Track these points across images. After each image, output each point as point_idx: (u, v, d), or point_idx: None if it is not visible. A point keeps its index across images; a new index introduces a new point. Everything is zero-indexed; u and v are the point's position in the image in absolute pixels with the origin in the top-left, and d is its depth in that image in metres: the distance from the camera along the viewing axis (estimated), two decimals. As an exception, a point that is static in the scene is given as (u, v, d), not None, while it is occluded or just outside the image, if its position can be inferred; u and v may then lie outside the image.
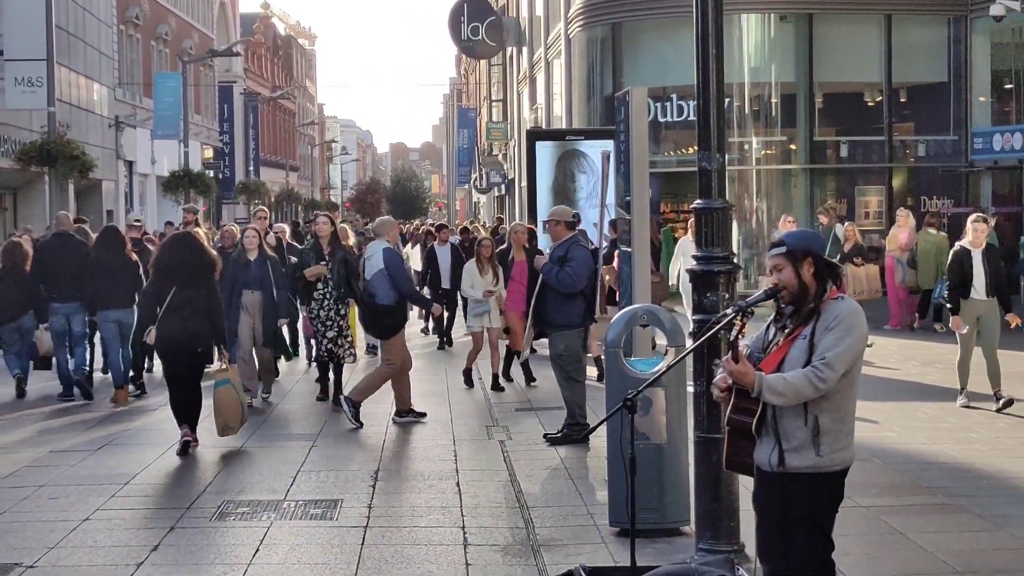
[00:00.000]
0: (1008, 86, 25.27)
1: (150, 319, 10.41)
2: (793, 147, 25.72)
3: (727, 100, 19.40)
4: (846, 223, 18.98)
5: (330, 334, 12.49)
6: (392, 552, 7.20)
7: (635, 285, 9.17)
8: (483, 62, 52.58)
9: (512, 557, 7.09)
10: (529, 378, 13.81)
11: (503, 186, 48.93)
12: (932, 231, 18.54)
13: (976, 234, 11.68)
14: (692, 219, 7.18)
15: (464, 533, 7.58)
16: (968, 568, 6.72)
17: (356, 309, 13.60)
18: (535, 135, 21.24)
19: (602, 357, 9.61)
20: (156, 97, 38.47)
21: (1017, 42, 25.04)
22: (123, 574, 6.79)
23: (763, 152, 25.72)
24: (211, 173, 42.79)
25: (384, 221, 12.54)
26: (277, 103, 71.27)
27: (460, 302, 18.48)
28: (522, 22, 40.00)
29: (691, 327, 7.15)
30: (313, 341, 13.84)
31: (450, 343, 18.28)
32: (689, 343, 6.86)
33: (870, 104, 25.96)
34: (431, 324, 19.65)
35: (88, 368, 13.71)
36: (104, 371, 14.21)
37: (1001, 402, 11.41)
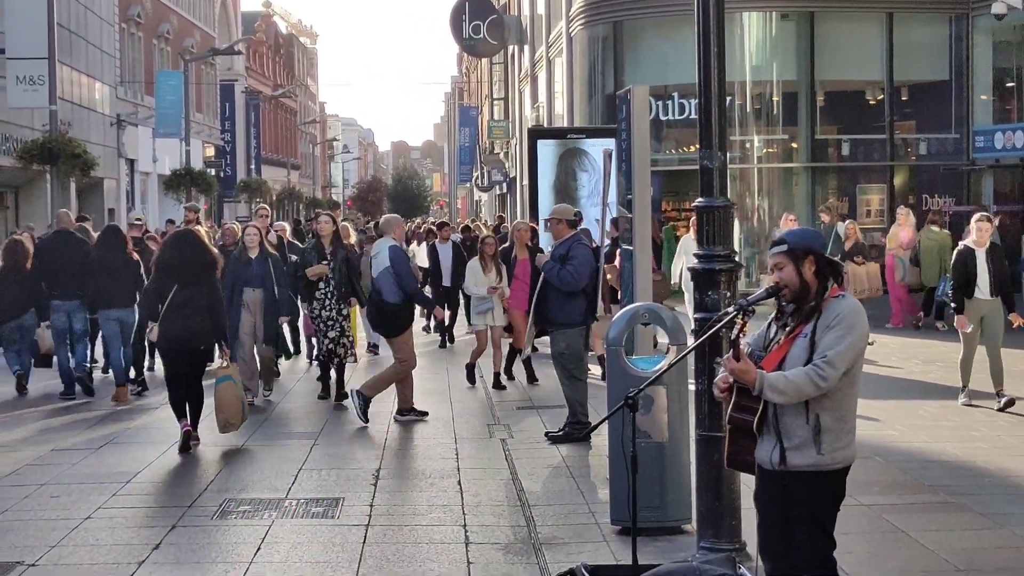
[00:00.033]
0: (1010, 84, 25.27)
1: (152, 317, 10.42)
2: (795, 145, 25.71)
3: (728, 98, 19.38)
4: (847, 221, 18.97)
5: (331, 334, 12.49)
6: (393, 550, 7.20)
7: (637, 283, 9.16)
8: (484, 60, 52.57)
9: (513, 555, 7.09)
10: (531, 377, 13.80)
11: (504, 184, 48.93)
12: (935, 229, 18.55)
13: (980, 233, 11.66)
14: (694, 217, 7.18)
15: (466, 531, 7.58)
16: (970, 566, 6.72)
17: (357, 308, 13.63)
18: (536, 133, 21.26)
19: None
20: (158, 95, 38.48)
21: (1019, 40, 25.03)
22: (125, 572, 6.79)
23: (765, 150, 25.72)
24: (212, 171, 42.78)
25: (390, 219, 12.51)
26: (279, 101, 71.28)
27: (461, 300, 18.51)
28: (523, 20, 40.00)
29: (692, 325, 7.15)
30: (314, 340, 13.85)
31: (452, 340, 18.28)
32: (691, 341, 6.85)
33: (872, 102, 25.96)
34: (433, 323, 19.64)
35: (89, 365, 13.74)
36: (104, 370, 14.23)
37: (1003, 401, 11.40)
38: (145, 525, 7.90)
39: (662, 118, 24.78)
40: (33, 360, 13.63)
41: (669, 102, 24.91)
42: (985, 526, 7.60)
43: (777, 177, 25.79)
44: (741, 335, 4.87)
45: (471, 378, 13.82)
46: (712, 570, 5.46)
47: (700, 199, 6.81)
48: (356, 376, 14.19)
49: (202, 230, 12.24)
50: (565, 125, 28.61)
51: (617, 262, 11.82)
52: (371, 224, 28.03)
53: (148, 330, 10.56)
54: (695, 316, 6.86)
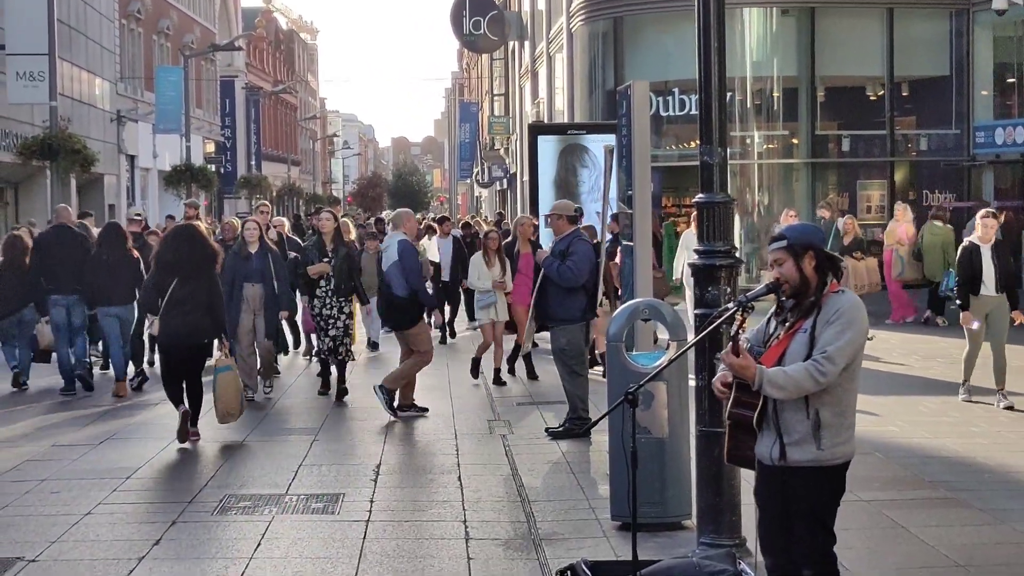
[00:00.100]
0: (1010, 80, 25.23)
1: (152, 311, 10.42)
2: (795, 141, 25.68)
3: (729, 94, 19.39)
4: (846, 216, 18.97)
5: (332, 332, 12.49)
6: (394, 546, 7.20)
7: (637, 279, 9.16)
8: (485, 56, 52.54)
9: (514, 551, 7.10)
10: (531, 373, 13.80)
11: (505, 180, 48.91)
12: (938, 224, 18.55)
13: (985, 229, 11.62)
14: (695, 212, 7.17)
15: (466, 527, 7.59)
16: (970, 562, 6.72)
17: (358, 306, 13.61)
18: (537, 129, 21.22)
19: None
20: (158, 91, 38.47)
21: (1020, 36, 24.99)
22: (125, 568, 6.80)
23: (765, 146, 25.69)
24: (213, 168, 42.79)
25: (402, 213, 12.43)
26: (279, 97, 71.23)
27: (462, 295, 18.50)
28: (524, 16, 39.96)
29: (693, 321, 7.15)
30: (314, 337, 13.84)
31: (452, 336, 18.28)
32: (691, 337, 6.86)
33: (872, 98, 25.92)
34: (434, 319, 19.59)
35: (89, 361, 13.74)
36: (104, 367, 14.22)
37: (1002, 405, 11.38)
38: (145, 521, 7.90)
39: (662, 114, 24.74)
40: (33, 355, 13.63)
41: (669, 98, 24.87)
42: (985, 522, 7.60)
43: (777, 173, 25.76)
44: (741, 331, 4.87)
45: (475, 373, 13.78)
46: (712, 566, 5.46)
47: (700, 195, 6.81)
48: (356, 373, 14.21)
49: (202, 225, 12.24)
50: (566, 121, 28.58)
51: (619, 259, 11.80)
52: (371, 220, 28.01)
53: (148, 324, 10.55)
54: (695, 312, 6.86)
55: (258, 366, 12.74)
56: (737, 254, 6.81)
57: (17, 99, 24.79)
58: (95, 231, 14.49)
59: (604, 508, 7.63)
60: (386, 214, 30.97)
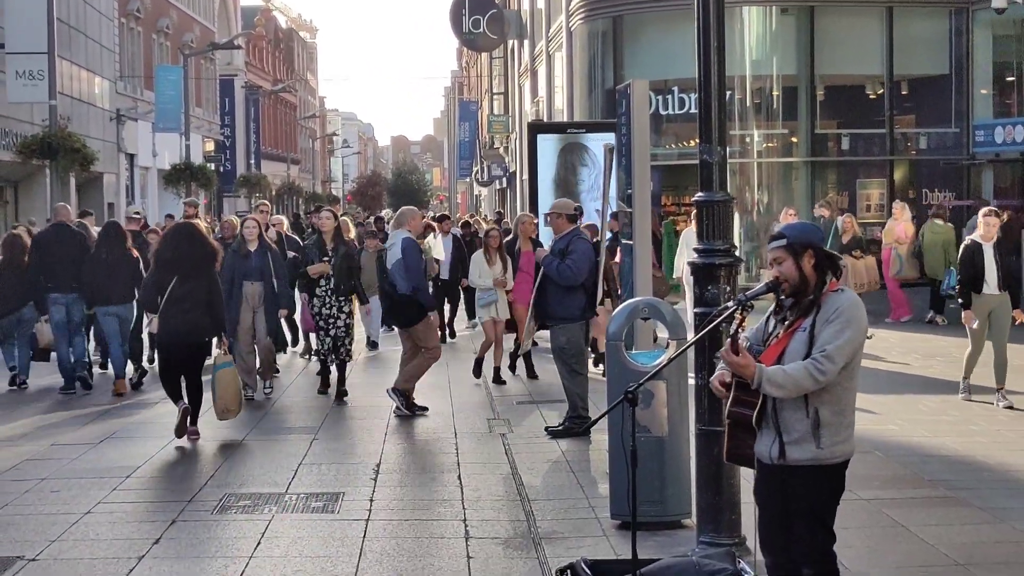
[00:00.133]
0: (1010, 79, 25.24)
1: (151, 309, 10.42)
2: (794, 140, 25.69)
3: (728, 93, 19.33)
4: (844, 214, 18.97)
5: (333, 332, 12.48)
6: (394, 545, 7.20)
7: (637, 278, 9.16)
8: (484, 55, 52.52)
9: (513, 550, 7.10)
10: (531, 371, 13.80)
11: (504, 179, 48.89)
12: (939, 222, 18.55)
13: (988, 228, 11.61)
14: (695, 211, 7.17)
15: (465, 526, 7.59)
16: (969, 561, 6.72)
17: (358, 305, 13.59)
18: (536, 128, 21.22)
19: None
20: (157, 90, 38.47)
21: (1019, 34, 25.01)
22: (125, 567, 6.80)
23: (764, 145, 25.69)
24: (212, 166, 42.79)
25: (406, 211, 12.39)
26: (278, 96, 71.23)
27: (462, 294, 18.48)
28: (523, 15, 39.94)
29: (692, 320, 7.15)
30: (313, 336, 13.83)
31: (452, 335, 18.28)
32: (690, 336, 6.86)
33: (871, 97, 25.92)
34: (433, 320, 19.57)
35: (88, 360, 13.75)
36: (103, 367, 14.22)
37: (1001, 405, 11.37)
38: (145, 520, 7.90)
39: (662, 112, 24.74)
40: (32, 354, 13.63)
41: (669, 96, 24.88)
42: (985, 520, 7.60)
43: (777, 171, 25.77)
44: (740, 329, 4.87)
45: (478, 372, 13.75)
46: (712, 564, 5.47)
47: (700, 193, 6.81)
48: (356, 372, 14.21)
49: (202, 224, 12.24)
50: (565, 120, 28.57)
51: (619, 258, 11.80)
52: (371, 219, 28.00)
53: (147, 322, 10.55)
54: (695, 311, 6.86)
55: (257, 365, 12.73)
56: (736, 253, 6.81)
57: (17, 98, 24.79)
58: (95, 230, 14.48)
59: (604, 507, 7.63)
60: (386, 213, 30.97)
